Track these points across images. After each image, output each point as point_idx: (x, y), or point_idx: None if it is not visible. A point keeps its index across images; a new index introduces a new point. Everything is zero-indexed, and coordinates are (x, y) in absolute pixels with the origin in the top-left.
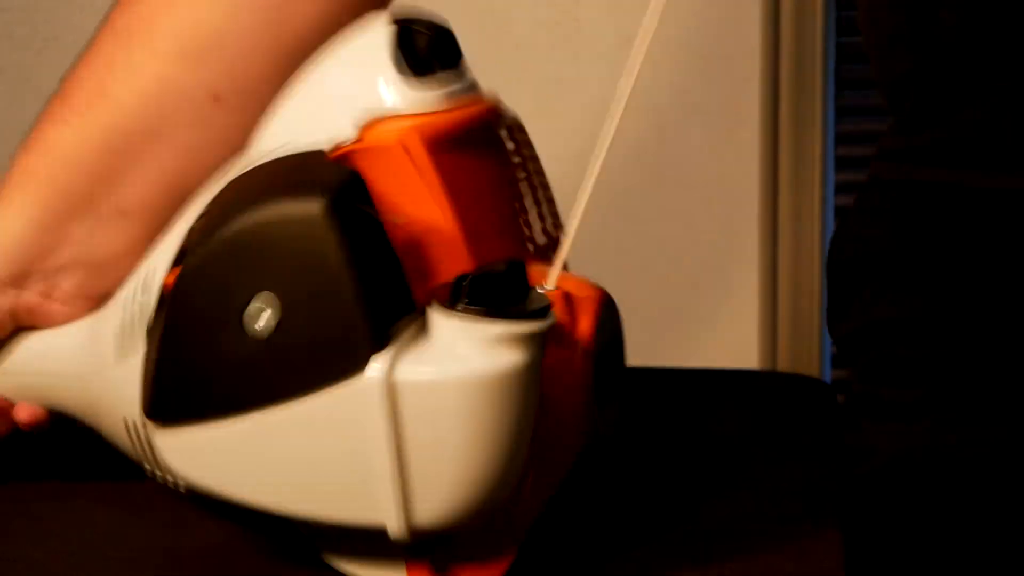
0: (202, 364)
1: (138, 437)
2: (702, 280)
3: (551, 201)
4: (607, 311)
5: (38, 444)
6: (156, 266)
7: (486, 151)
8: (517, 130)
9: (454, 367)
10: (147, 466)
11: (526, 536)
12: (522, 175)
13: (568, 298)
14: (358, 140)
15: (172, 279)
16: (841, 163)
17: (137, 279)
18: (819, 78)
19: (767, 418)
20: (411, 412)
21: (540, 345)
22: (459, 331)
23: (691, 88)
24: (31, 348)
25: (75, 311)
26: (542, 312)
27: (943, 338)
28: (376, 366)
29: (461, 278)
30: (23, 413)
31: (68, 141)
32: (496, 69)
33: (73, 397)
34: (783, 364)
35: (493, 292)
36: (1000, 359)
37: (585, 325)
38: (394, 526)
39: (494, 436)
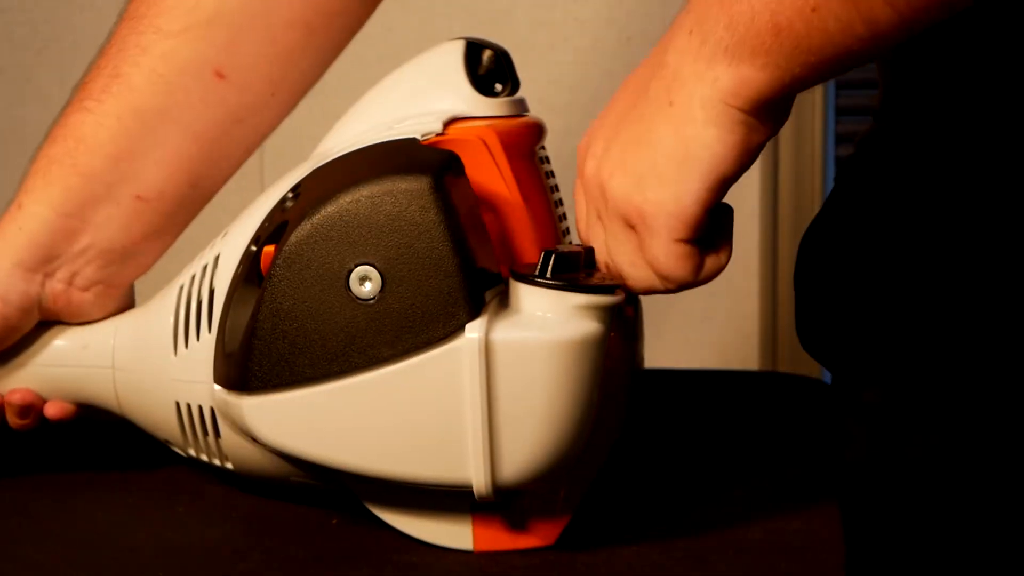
0: (305, 330)
1: (191, 419)
2: None
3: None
4: (636, 304)
5: (38, 444)
6: (223, 253)
7: (536, 159)
8: (545, 150)
9: (542, 331)
10: (193, 450)
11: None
12: (554, 190)
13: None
14: (442, 134)
15: (270, 251)
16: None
17: (194, 270)
18: None
19: (767, 418)
20: (503, 372)
21: (613, 316)
22: (545, 300)
23: None
24: (67, 343)
25: (96, 299)
26: (613, 288)
27: (908, 333)
28: (475, 329)
29: (548, 253)
30: (53, 409)
31: (87, 126)
32: None
33: (113, 390)
34: (783, 364)
35: (571, 267)
36: (965, 352)
37: (627, 308)
38: (480, 484)
39: (573, 397)
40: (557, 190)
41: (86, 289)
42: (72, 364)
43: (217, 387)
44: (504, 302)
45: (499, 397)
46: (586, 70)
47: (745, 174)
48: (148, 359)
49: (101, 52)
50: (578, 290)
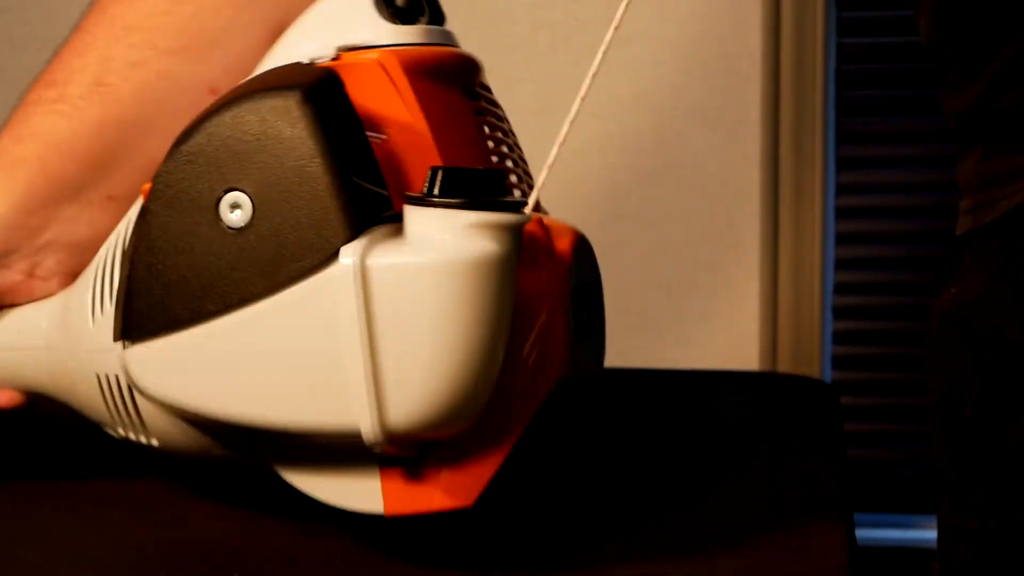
0: (176, 267)
1: (111, 391)
2: (702, 280)
3: (526, 170)
4: (584, 247)
5: (38, 445)
6: (131, 216)
7: (461, 94)
8: (493, 96)
9: (427, 253)
10: (121, 428)
11: (512, 456)
12: (498, 132)
13: (544, 223)
14: (336, 58)
15: (147, 188)
16: (841, 163)
17: (114, 235)
18: (819, 78)
19: (767, 418)
20: (384, 301)
21: (516, 238)
22: (432, 221)
23: (691, 88)
24: (4, 326)
25: (55, 288)
26: (516, 206)
27: None
28: (348, 254)
29: (435, 169)
30: (1, 397)
31: (61, 130)
32: (496, 69)
33: (47, 372)
34: (783, 364)
35: (467, 187)
36: None
37: (563, 247)
38: (368, 429)
39: (467, 329)
40: (509, 135)
41: (46, 279)
42: (7, 348)
43: (115, 344)
44: (397, 232)
45: (381, 330)
46: (586, 70)
47: (745, 173)
48: (71, 334)
49: (74, 50)
50: (469, 207)
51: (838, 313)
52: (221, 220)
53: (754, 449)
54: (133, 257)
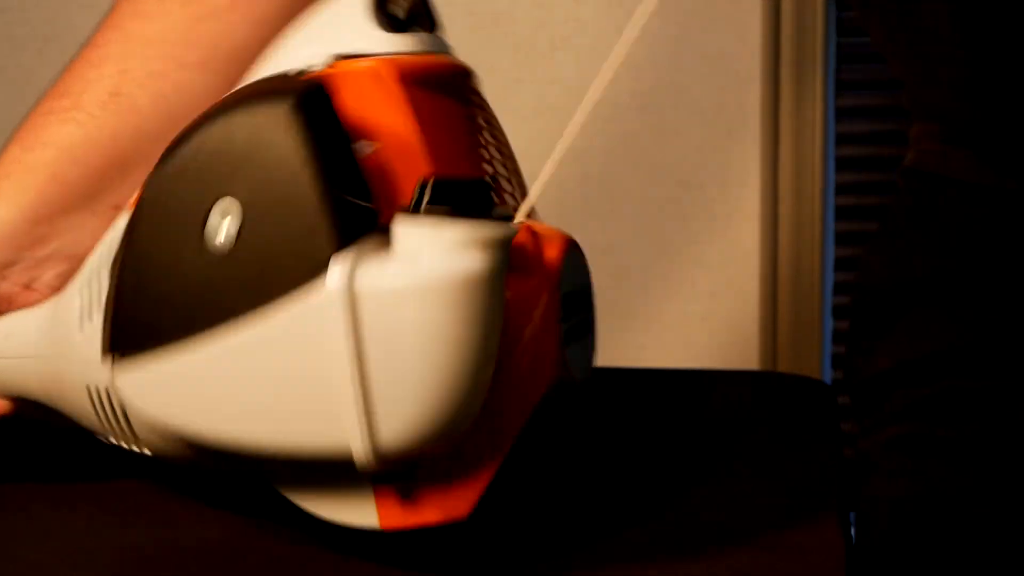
0: (163, 284)
1: (100, 402)
2: (702, 280)
3: (520, 181)
4: (574, 253)
5: (37, 445)
6: (119, 223)
7: (454, 102)
8: (486, 105)
9: (413, 271)
10: (112, 437)
11: (505, 468)
12: (491, 141)
13: (533, 231)
14: (328, 67)
15: (134, 199)
16: (841, 163)
17: (103, 244)
18: (819, 78)
19: (767, 418)
20: (372, 320)
21: (504, 252)
22: (420, 235)
23: (691, 88)
24: None
25: (44, 298)
26: (505, 218)
27: (1002, 369)
28: (336, 271)
29: (424, 181)
30: None
31: (77, 140)
32: (496, 69)
33: (37, 380)
34: (783, 364)
35: (457, 198)
36: None
37: (552, 255)
38: (360, 451)
39: (456, 347)
40: (501, 142)
41: (43, 292)
42: None
43: (102, 356)
44: (385, 243)
45: (370, 349)
46: (586, 70)
47: (745, 173)
48: (61, 342)
49: (88, 62)
50: (456, 220)
51: (838, 313)
52: (208, 235)
53: (753, 449)
54: (121, 270)
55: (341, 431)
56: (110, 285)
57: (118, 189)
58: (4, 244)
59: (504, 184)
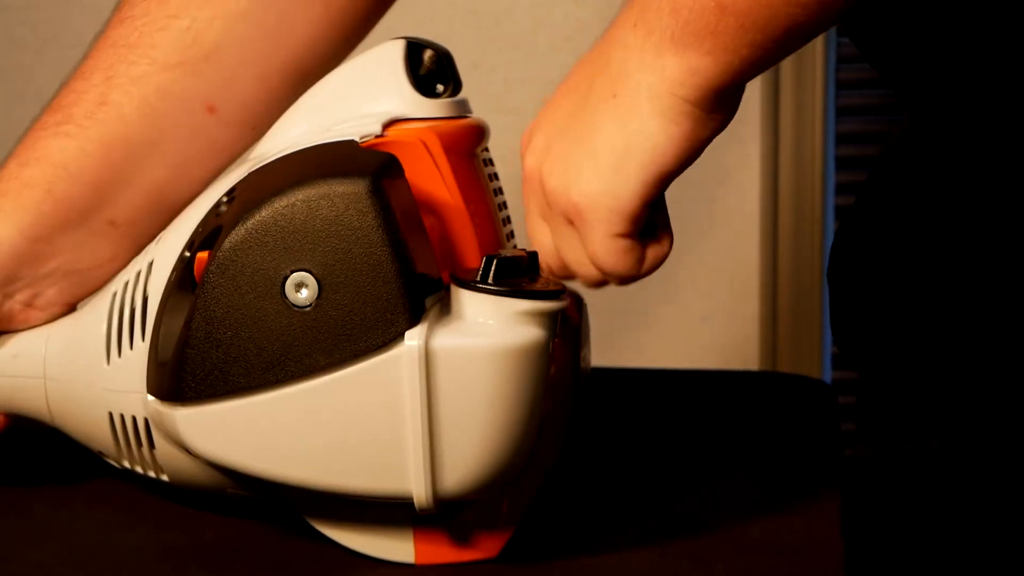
0: (239, 339)
1: (124, 429)
2: (702, 280)
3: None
4: (581, 308)
5: (37, 447)
6: (156, 260)
7: (479, 161)
8: (489, 155)
9: (485, 338)
10: (127, 462)
11: (528, 511)
12: (502, 195)
13: None
14: (381, 136)
15: (204, 257)
16: (841, 163)
17: (127, 277)
18: (819, 78)
19: (767, 418)
20: (444, 380)
21: (556, 322)
22: (486, 306)
23: None
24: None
25: (49, 316)
26: (557, 294)
27: (950, 333)
28: (414, 336)
29: (489, 258)
30: None
31: (69, 153)
32: (496, 69)
33: (43, 401)
34: (783, 363)
35: (514, 273)
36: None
37: (573, 314)
38: (421, 495)
39: (516, 405)
40: (501, 192)
41: (44, 309)
42: (2, 374)
43: (151, 397)
44: (445, 309)
45: (440, 406)
46: None
47: (745, 173)
48: (80, 369)
49: (79, 75)
50: (520, 296)
51: None
52: (287, 298)
53: (753, 448)
54: (190, 324)
55: (406, 476)
56: (165, 334)
57: (112, 203)
58: (8, 262)
59: (509, 233)
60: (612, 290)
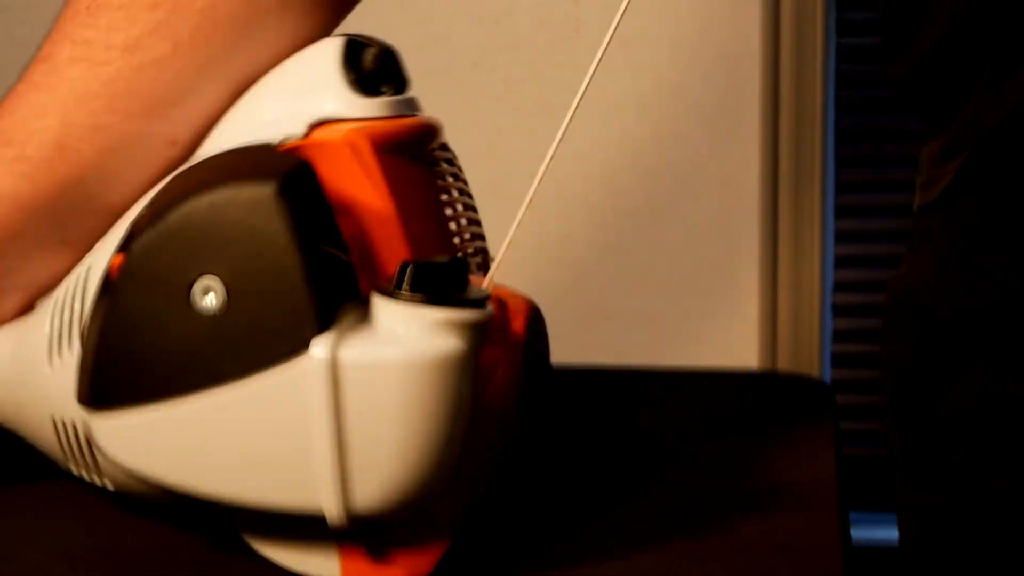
0: (146, 345)
1: (67, 435)
2: (702, 280)
3: (478, 223)
4: (536, 320)
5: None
6: (93, 264)
7: (422, 163)
8: (447, 151)
9: (396, 349)
10: (73, 467)
11: (472, 529)
12: (455, 194)
13: (501, 301)
14: (305, 137)
15: (117, 262)
16: (842, 162)
17: (71, 281)
18: (819, 78)
19: (767, 418)
20: (353, 393)
21: (479, 333)
22: (401, 315)
23: (691, 88)
24: None
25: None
26: (481, 302)
27: None
28: (320, 347)
29: (404, 265)
30: None
31: (23, 192)
32: (496, 69)
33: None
34: (783, 364)
35: (434, 281)
36: None
37: (517, 326)
38: (332, 511)
39: (432, 420)
40: (464, 194)
41: (3, 320)
42: None
43: (78, 403)
44: (363, 319)
45: (349, 420)
46: (586, 70)
47: (745, 173)
48: (26, 371)
49: (29, 109)
50: (436, 304)
51: (838, 311)
52: (193, 304)
53: (753, 449)
54: (101, 329)
55: (316, 491)
56: (87, 335)
57: (64, 229)
58: None
59: (466, 241)
60: (612, 290)
